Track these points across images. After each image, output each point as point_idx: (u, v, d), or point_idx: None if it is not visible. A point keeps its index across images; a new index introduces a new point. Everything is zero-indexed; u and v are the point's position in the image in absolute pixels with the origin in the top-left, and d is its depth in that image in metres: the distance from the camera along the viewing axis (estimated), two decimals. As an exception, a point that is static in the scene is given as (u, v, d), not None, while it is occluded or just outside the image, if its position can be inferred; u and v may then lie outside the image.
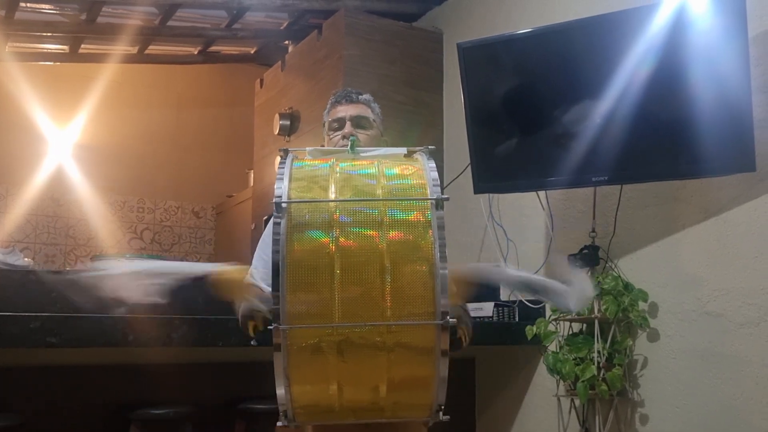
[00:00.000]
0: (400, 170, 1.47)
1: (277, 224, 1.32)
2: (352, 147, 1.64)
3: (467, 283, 1.62)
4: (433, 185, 1.40)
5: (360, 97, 2.04)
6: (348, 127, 1.96)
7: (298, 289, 1.30)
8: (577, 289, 1.64)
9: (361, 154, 1.60)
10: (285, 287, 1.29)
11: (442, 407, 1.38)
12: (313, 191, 1.40)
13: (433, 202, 1.36)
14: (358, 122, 1.98)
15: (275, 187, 1.37)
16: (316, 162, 1.53)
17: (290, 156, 1.50)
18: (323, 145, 2.08)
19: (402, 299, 1.31)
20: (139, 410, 2.45)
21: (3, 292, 2.32)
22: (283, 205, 1.34)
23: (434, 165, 1.46)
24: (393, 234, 1.33)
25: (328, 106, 2.06)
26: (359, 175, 1.45)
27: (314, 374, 1.34)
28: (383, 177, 1.43)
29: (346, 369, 1.33)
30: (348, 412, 1.40)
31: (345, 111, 1.99)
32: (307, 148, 1.61)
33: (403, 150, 1.57)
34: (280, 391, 1.33)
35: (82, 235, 5.04)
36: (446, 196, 1.36)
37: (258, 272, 1.95)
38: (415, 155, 1.55)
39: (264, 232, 2.08)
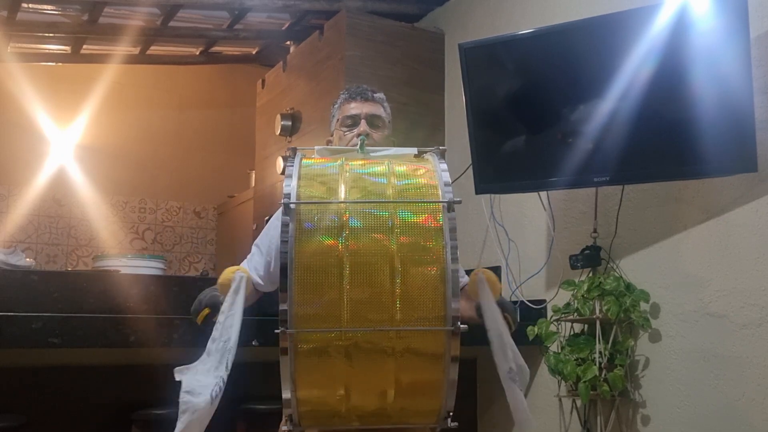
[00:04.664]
0: (411, 171, 1.44)
1: (285, 225, 1.29)
2: (361, 146, 1.61)
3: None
4: (445, 186, 1.37)
5: (375, 95, 2.00)
6: (363, 125, 1.92)
7: (307, 291, 1.27)
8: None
9: (371, 154, 1.58)
10: (293, 289, 1.26)
11: (451, 413, 1.36)
12: (322, 191, 1.37)
13: (445, 204, 1.33)
14: (373, 121, 1.95)
15: (284, 185, 1.34)
16: (325, 161, 1.50)
17: (299, 155, 1.46)
18: (330, 140, 2.05)
19: (412, 302, 1.28)
20: (141, 410, 2.45)
21: (5, 293, 2.32)
22: (292, 206, 1.31)
23: (446, 166, 1.42)
24: (403, 236, 1.31)
25: (339, 100, 2.01)
26: (369, 175, 1.42)
27: (321, 378, 1.32)
28: (394, 177, 1.40)
29: (353, 374, 1.30)
30: (354, 417, 1.38)
31: (360, 108, 1.95)
32: (316, 147, 1.59)
33: (414, 150, 1.54)
34: (286, 395, 1.30)
35: (83, 235, 5.04)
36: (458, 199, 1.33)
37: (253, 261, 1.94)
38: (426, 156, 1.52)
39: (267, 225, 2.05)
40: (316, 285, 1.28)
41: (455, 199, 1.33)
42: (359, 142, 1.66)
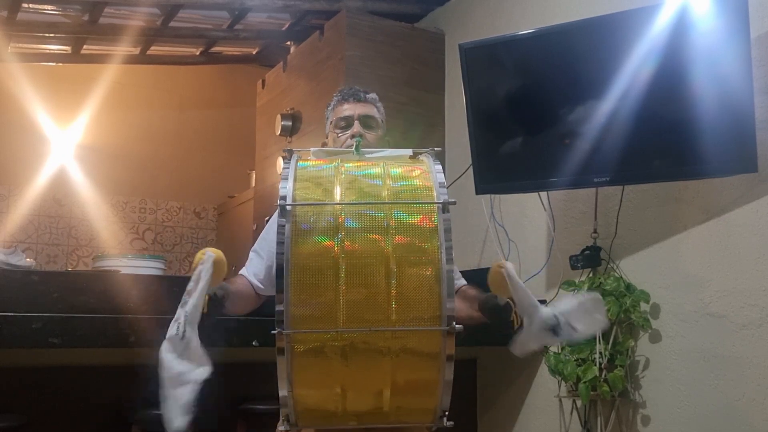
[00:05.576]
0: (406, 172, 1.46)
1: (281, 226, 1.30)
2: (357, 148, 1.63)
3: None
4: (440, 187, 1.38)
5: (367, 96, 2.01)
6: (357, 126, 1.93)
7: (303, 292, 1.28)
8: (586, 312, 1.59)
9: (367, 156, 1.59)
10: (289, 290, 1.28)
11: (447, 413, 1.37)
12: (318, 192, 1.38)
13: (440, 205, 1.35)
14: (366, 122, 1.95)
15: (280, 187, 1.36)
16: (321, 163, 1.51)
17: (294, 156, 1.47)
18: (325, 143, 2.06)
19: (407, 303, 1.29)
20: (141, 410, 2.44)
21: (5, 293, 2.32)
22: (288, 207, 1.32)
23: (440, 167, 1.44)
24: (399, 237, 1.32)
25: (332, 103, 2.02)
26: (364, 177, 1.43)
27: (318, 378, 1.33)
28: (389, 179, 1.42)
29: (349, 373, 1.31)
30: (351, 416, 1.39)
31: (353, 109, 1.96)
32: (311, 149, 1.60)
33: (409, 151, 1.55)
34: (283, 395, 1.32)
35: (84, 235, 5.04)
36: (453, 200, 1.35)
37: (252, 266, 1.94)
38: (421, 157, 1.53)
39: (264, 229, 2.06)
40: (312, 286, 1.29)
41: (450, 200, 1.34)
42: (354, 144, 1.67)
